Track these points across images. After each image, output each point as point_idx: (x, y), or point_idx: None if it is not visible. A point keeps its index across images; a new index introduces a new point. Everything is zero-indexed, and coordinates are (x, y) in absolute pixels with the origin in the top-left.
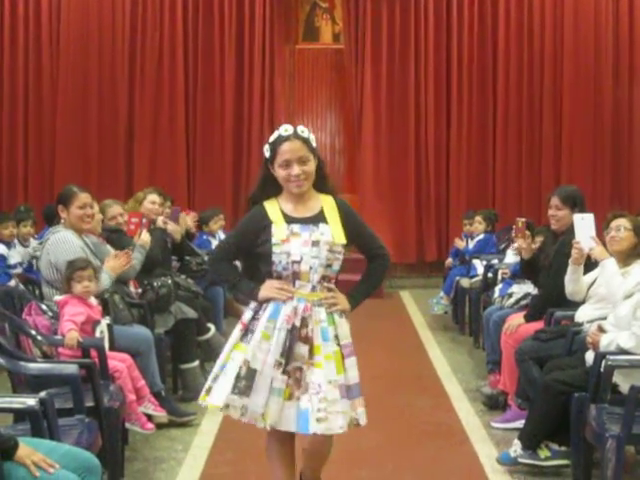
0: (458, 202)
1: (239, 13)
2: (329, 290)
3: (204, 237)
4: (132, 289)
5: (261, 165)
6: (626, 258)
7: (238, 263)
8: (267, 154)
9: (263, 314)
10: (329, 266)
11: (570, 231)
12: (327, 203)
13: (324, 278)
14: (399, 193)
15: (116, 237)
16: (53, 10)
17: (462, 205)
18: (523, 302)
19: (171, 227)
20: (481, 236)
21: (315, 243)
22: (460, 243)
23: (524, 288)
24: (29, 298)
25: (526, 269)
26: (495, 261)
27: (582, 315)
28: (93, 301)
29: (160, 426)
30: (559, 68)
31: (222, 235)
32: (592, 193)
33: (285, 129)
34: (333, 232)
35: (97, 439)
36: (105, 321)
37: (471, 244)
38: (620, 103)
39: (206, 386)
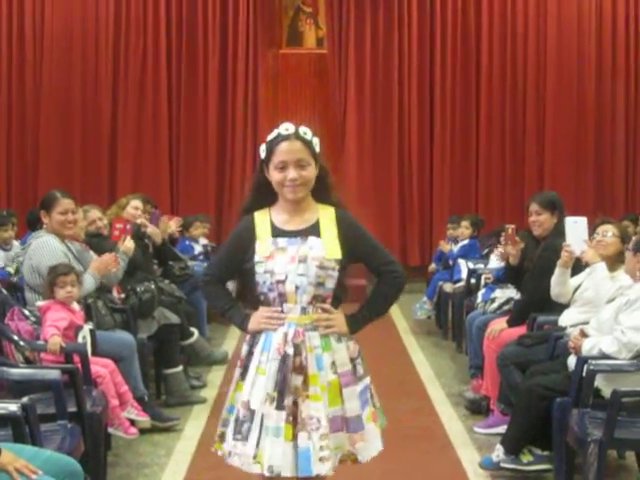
0: (441, 207)
1: (223, 17)
2: (324, 311)
3: (186, 242)
4: (115, 294)
5: (255, 168)
6: (612, 263)
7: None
8: (262, 154)
9: (256, 347)
10: (320, 284)
11: (552, 235)
12: (325, 215)
13: (316, 298)
14: (382, 198)
15: (96, 242)
16: (37, 13)
17: (445, 210)
18: (506, 307)
19: (150, 229)
20: (466, 241)
21: (302, 259)
22: (445, 246)
23: (507, 293)
24: (11, 303)
25: (510, 274)
26: (480, 265)
27: (566, 319)
28: (76, 306)
29: (143, 431)
30: (542, 72)
31: (204, 241)
32: (575, 197)
33: (286, 128)
34: (325, 246)
35: (79, 444)
36: (87, 326)
37: (455, 248)
38: (603, 107)
39: (218, 432)
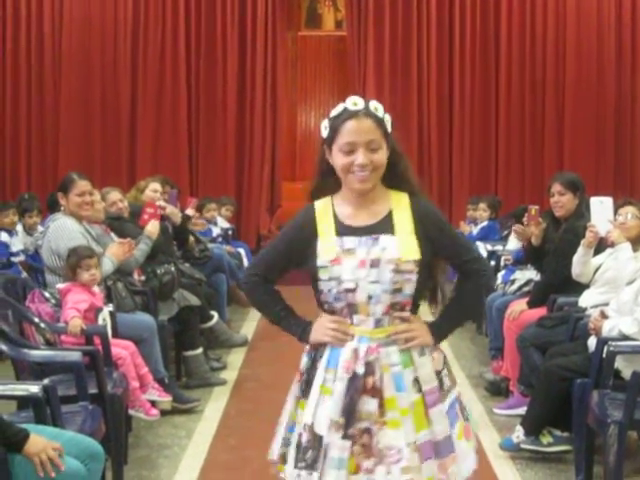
0: (461, 188)
1: (242, 0)
2: (402, 320)
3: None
4: (135, 277)
5: (318, 149)
6: (634, 244)
7: None
8: (325, 132)
9: (320, 362)
10: (398, 291)
11: (574, 217)
12: (399, 204)
13: (393, 307)
14: None
15: (117, 224)
16: (56, 1)
17: (465, 192)
18: (526, 288)
19: (169, 210)
20: (485, 223)
21: (374, 263)
22: (465, 228)
23: (527, 274)
24: (32, 286)
25: (532, 255)
26: (499, 247)
27: (586, 300)
28: (96, 289)
29: (163, 413)
30: (561, 53)
31: (225, 224)
32: (595, 179)
33: (354, 102)
34: (400, 245)
35: (100, 426)
36: (107, 308)
37: (475, 230)
38: (623, 89)
39: (279, 451)
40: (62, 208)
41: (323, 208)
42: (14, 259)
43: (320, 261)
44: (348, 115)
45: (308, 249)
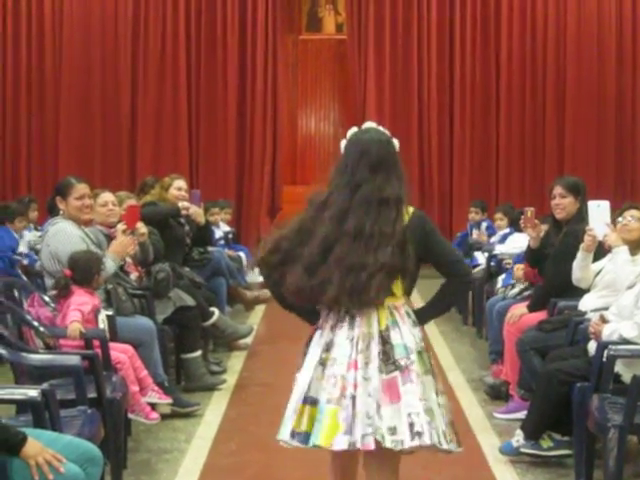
0: (461, 192)
1: (242, 3)
2: None
3: None
4: (133, 276)
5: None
6: (634, 248)
7: None
8: None
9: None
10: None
11: (575, 221)
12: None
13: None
14: None
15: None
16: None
17: (465, 195)
18: (526, 292)
19: (193, 210)
20: (506, 230)
21: None
22: (483, 237)
23: None
24: (31, 289)
25: (531, 258)
26: (497, 251)
27: (586, 304)
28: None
29: (163, 417)
30: (562, 55)
31: (225, 228)
32: (596, 182)
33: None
34: None
35: (99, 430)
36: (104, 312)
37: (495, 239)
38: (624, 91)
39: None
40: (61, 212)
41: None
42: (17, 257)
43: None
44: None
45: None
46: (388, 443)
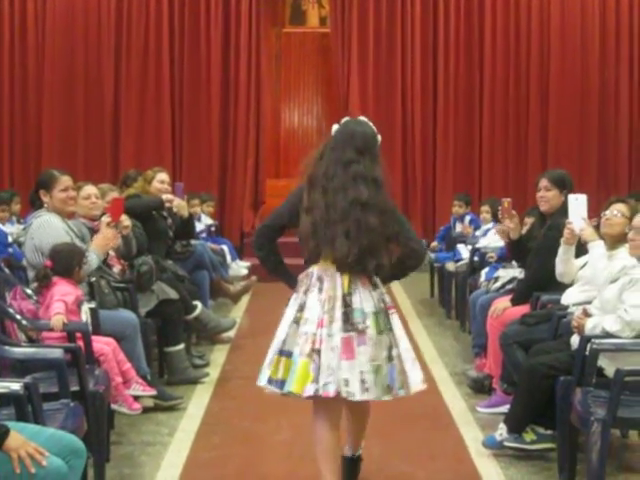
0: (444, 186)
1: None
2: None
3: None
4: (115, 269)
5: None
6: (614, 242)
7: None
8: None
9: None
10: None
11: (559, 214)
12: None
13: None
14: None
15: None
16: None
17: (449, 189)
18: (509, 286)
19: (177, 202)
20: (490, 224)
21: None
22: (467, 229)
23: (510, 272)
24: (14, 282)
25: (514, 250)
26: (480, 244)
27: (568, 298)
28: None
29: (146, 410)
30: (546, 49)
31: (208, 221)
32: (579, 175)
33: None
34: None
35: (82, 423)
36: (87, 305)
37: (480, 233)
38: (607, 84)
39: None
40: (45, 205)
41: None
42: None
43: None
44: None
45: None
46: (343, 393)
